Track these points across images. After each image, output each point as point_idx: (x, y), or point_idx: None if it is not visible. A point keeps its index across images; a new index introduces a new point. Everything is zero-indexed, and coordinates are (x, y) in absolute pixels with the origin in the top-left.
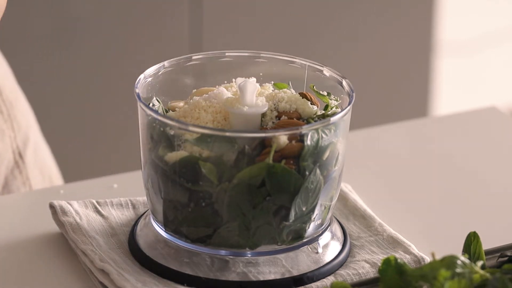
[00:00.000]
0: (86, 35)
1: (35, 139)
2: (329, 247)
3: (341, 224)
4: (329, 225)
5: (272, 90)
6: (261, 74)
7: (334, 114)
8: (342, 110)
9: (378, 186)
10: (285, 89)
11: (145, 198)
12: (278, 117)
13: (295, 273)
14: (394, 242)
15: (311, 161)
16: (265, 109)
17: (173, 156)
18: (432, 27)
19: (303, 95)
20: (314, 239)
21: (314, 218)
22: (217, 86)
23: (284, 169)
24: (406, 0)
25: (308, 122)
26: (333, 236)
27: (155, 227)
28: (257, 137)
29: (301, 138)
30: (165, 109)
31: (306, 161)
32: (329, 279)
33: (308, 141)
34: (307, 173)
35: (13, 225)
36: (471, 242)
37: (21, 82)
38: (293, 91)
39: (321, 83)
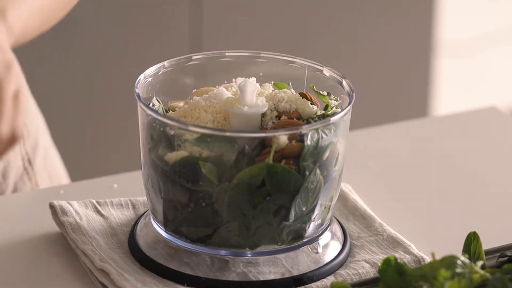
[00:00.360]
0: (86, 35)
1: (45, 143)
2: (329, 247)
3: (341, 224)
4: (329, 225)
5: (272, 90)
6: (261, 74)
7: (334, 114)
8: (342, 110)
9: (378, 186)
10: (285, 89)
11: (145, 198)
12: (278, 117)
13: (295, 273)
14: (394, 242)
15: (311, 161)
16: (265, 109)
17: (173, 156)
18: (432, 27)
19: (303, 95)
20: (314, 239)
21: (314, 218)
22: (217, 86)
23: (284, 169)
24: (406, 0)
25: (308, 122)
26: (333, 236)
27: (155, 227)
28: (257, 137)
29: (301, 138)
30: (165, 109)
31: (306, 161)
32: (329, 279)
33: (308, 141)
34: (307, 173)
35: (13, 225)
36: (471, 242)
37: None
38: (293, 91)
39: (321, 83)
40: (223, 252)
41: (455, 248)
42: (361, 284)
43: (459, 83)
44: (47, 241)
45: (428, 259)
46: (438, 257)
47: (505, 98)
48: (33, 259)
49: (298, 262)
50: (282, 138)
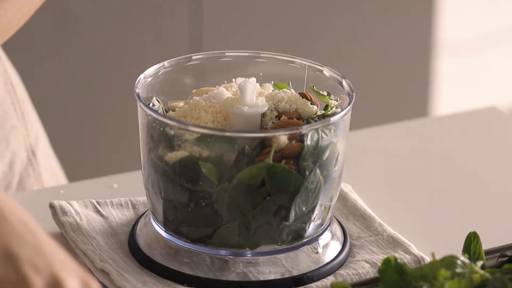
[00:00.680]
0: (86, 35)
1: (44, 143)
2: (329, 247)
3: (341, 224)
4: (329, 225)
5: (272, 90)
6: (261, 74)
7: (334, 114)
8: (342, 110)
9: (378, 186)
10: (285, 89)
11: (145, 198)
12: (278, 117)
13: (295, 273)
14: (394, 242)
15: (311, 161)
16: (265, 109)
17: (173, 156)
18: (432, 27)
19: (303, 95)
20: (314, 239)
21: (314, 218)
22: (217, 86)
23: (284, 169)
24: (406, 0)
25: (308, 122)
26: (333, 236)
27: (155, 227)
28: (257, 137)
29: (301, 138)
30: (165, 109)
31: (306, 161)
32: (329, 279)
33: (308, 141)
34: (307, 173)
35: None
36: (471, 242)
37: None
38: (293, 91)
39: (321, 83)
40: (223, 252)
41: (455, 248)
42: (361, 284)
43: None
44: None
45: (428, 259)
46: (438, 257)
47: (505, 98)
48: None
49: (298, 262)
50: (282, 138)
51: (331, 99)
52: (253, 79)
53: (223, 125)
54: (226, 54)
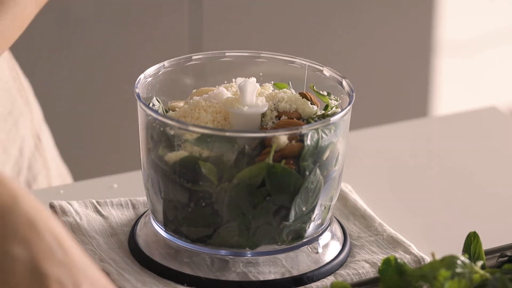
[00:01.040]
0: (86, 35)
1: (47, 133)
2: (329, 247)
3: (341, 224)
4: (329, 225)
5: (272, 90)
6: (261, 74)
7: (334, 114)
8: (342, 110)
9: (378, 186)
10: (285, 89)
11: (145, 198)
12: (278, 117)
13: (295, 273)
14: (394, 242)
15: (311, 161)
16: (265, 109)
17: (173, 156)
18: (432, 27)
19: (303, 95)
20: (314, 239)
21: (314, 218)
22: (217, 86)
23: (284, 169)
24: (406, 0)
25: (308, 122)
26: (333, 236)
27: (155, 227)
28: (257, 137)
29: (301, 138)
30: (165, 109)
31: (306, 161)
32: (329, 279)
33: (308, 141)
34: (307, 173)
35: None
36: (471, 242)
37: None
38: (293, 91)
39: (321, 83)
40: (223, 252)
41: (455, 248)
42: (361, 284)
43: (459, 83)
44: None
45: (428, 259)
46: (438, 257)
47: (505, 98)
48: None
49: (298, 262)
50: (282, 138)
51: (331, 99)
52: (253, 79)
53: (223, 125)
54: (226, 54)
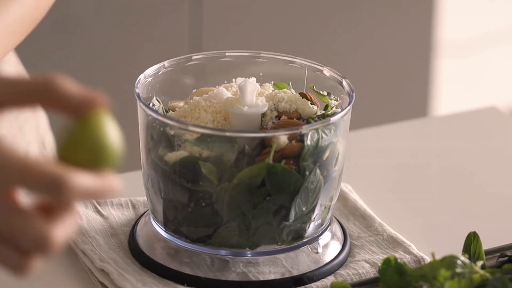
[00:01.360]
0: (86, 35)
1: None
2: (329, 247)
3: (341, 224)
4: (329, 225)
5: (272, 90)
6: (261, 74)
7: (334, 114)
8: (342, 110)
9: (378, 186)
10: (285, 89)
11: (145, 198)
12: (278, 117)
13: (295, 273)
14: (394, 242)
15: (311, 161)
16: (265, 109)
17: (173, 156)
18: (432, 27)
19: (303, 95)
20: (314, 239)
21: (314, 218)
22: (217, 86)
23: (284, 169)
24: (406, 0)
25: (308, 122)
26: (333, 236)
27: (155, 227)
28: (257, 137)
29: (301, 138)
30: (165, 109)
31: (306, 161)
32: (329, 279)
33: (308, 141)
34: (307, 173)
35: None
36: (471, 242)
37: None
38: (293, 91)
39: (321, 83)
40: (223, 252)
41: (455, 248)
42: (361, 284)
43: (459, 83)
44: None
45: (428, 259)
46: (438, 257)
47: (505, 98)
48: None
49: (298, 262)
50: (282, 138)
51: (331, 99)
52: (253, 79)
53: (223, 125)
54: (226, 54)
